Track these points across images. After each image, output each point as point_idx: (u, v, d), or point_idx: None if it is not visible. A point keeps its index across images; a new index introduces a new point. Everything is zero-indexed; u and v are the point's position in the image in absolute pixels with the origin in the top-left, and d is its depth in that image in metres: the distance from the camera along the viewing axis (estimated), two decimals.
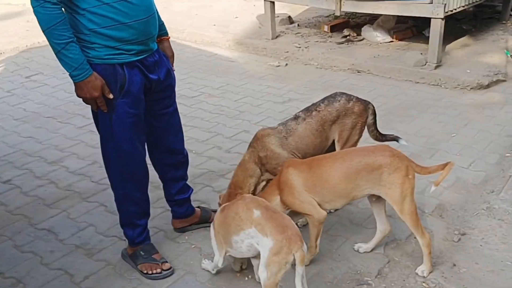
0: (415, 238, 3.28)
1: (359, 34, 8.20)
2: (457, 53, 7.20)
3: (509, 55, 7.23)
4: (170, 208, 3.44)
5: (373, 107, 3.60)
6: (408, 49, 7.48)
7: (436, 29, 6.42)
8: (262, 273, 2.43)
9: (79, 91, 2.64)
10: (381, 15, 7.84)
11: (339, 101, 3.45)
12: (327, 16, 9.80)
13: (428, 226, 3.45)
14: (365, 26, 8.13)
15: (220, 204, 3.30)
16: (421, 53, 6.94)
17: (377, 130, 3.68)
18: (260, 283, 2.83)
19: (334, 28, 8.59)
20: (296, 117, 3.43)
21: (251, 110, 5.75)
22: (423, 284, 2.92)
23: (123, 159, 2.84)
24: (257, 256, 2.62)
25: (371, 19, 8.94)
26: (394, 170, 2.78)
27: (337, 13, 7.22)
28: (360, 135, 3.56)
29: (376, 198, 3.01)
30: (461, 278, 2.95)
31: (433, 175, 3.02)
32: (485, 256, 3.13)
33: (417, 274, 2.98)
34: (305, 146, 3.35)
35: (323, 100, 3.51)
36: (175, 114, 3.13)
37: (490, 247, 3.21)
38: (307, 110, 3.46)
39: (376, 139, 3.71)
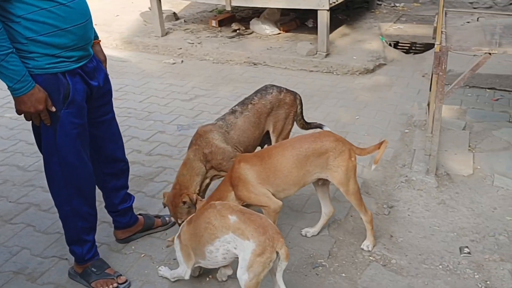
0: (351, 216, 3.55)
1: (247, 28, 8.38)
2: (340, 42, 7.72)
3: (384, 41, 7.94)
4: (111, 219, 3.26)
5: (300, 98, 3.76)
6: (296, 39, 7.84)
7: (323, 20, 6.82)
8: (242, 275, 2.39)
9: (22, 106, 2.41)
10: (266, 8, 8.11)
11: (271, 93, 3.57)
12: (211, 11, 9.86)
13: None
14: (253, 20, 8.34)
15: (164, 204, 3.25)
16: (311, 43, 7.32)
17: (304, 119, 3.86)
18: (222, 281, 2.87)
19: (222, 23, 8.69)
20: (233, 111, 3.47)
21: (160, 110, 5.63)
22: (370, 257, 3.15)
23: (70, 173, 2.65)
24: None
25: (255, 12, 9.21)
26: (339, 153, 2.96)
27: (228, 8, 7.31)
28: (292, 125, 3.72)
29: (322, 183, 3.17)
30: (400, 247, 3.24)
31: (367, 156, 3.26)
32: (415, 224, 3.47)
33: (363, 249, 3.20)
34: (246, 139, 3.42)
35: (255, 94, 3.60)
36: (113, 121, 3.00)
37: (416, 216, 3.56)
38: (243, 104, 3.53)
39: (303, 127, 3.89)
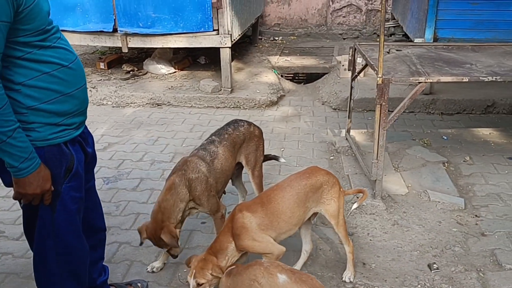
0: (320, 249, 3.58)
1: (140, 69, 8.15)
2: (239, 77, 7.86)
3: (276, 73, 8.28)
4: None
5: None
6: (194, 77, 7.81)
7: (226, 57, 6.91)
8: None
9: (27, 188, 2.04)
10: (156, 48, 7.97)
11: (243, 125, 3.61)
12: (92, 53, 9.41)
13: (321, 235, 3.76)
14: (146, 60, 8.14)
15: (143, 238, 3.02)
16: (212, 80, 7.35)
17: None
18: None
19: (111, 65, 8.33)
20: (212, 141, 3.40)
21: None
22: None
23: (66, 255, 2.30)
24: None
25: (141, 53, 9.00)
26: (331, 186, 3.02)
27: (124, 50, 7.04)
28: (262, 157, 3.72)
29: (308, 220, 3.16)
30: (376, 273, 3.34)
31: None
32: (380, 248, 3.61)
33: (345, 281, 3.23)
34: (226, 169, 3.37)
35: (228, 125, 3.60)
36: (94, 188, 2.69)
37: (378, 239, 3.71)
38: (219, 134, 3.49)
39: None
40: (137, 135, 5.90)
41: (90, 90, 7.25)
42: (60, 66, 2.10)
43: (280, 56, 9.30)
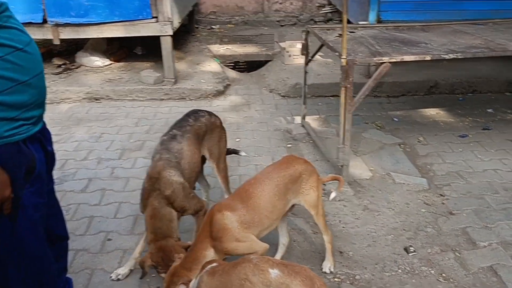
0: (294, 241, 3.42)
1: (73, 62, 7.60)
2: (181, 67, 7.52)
3: (219, 62, 8.03)
4: None
5: None
6: (132, 69, 7.39)
7: (168, 46, 6.56)
8: None
9: None
10: (89, 39, 7.47)
11: (204, 116, 3.32)
12: None
13: (293, 226, 3.59)
14: (79, 52, 7.59)
15: (148, 267, 2.70)
16: (154, 71, 6.97)
17: None
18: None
19: None
20: (173, 136, 3.07)
21: None
22: (336, 279, 3.06)
23: (32, 268, 1.96)
24: None
25: (71, 44, 8.41)
26: (310, 175, 2.84)
27: (56, 42, 6.48)
28: (225, 148, 3.47)
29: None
30: (355, 261, 3.22)
31: None
32: (354, 235, 3.50)
33: (325, 272, 3.09)
34: (195, 165, 3.09)
35: (188, 116, 3.29)
36: (53, 192, 2.34)
37: (351, 226, 3.60)
38: (180, 126, 3.17)
39: None
40: (77, 132, 5.46)
41: None
42: (14, 49, 1.76)
43: (220, 44, 9.03)
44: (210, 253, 2.56)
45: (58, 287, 2.39)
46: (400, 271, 3.11)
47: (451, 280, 3.01)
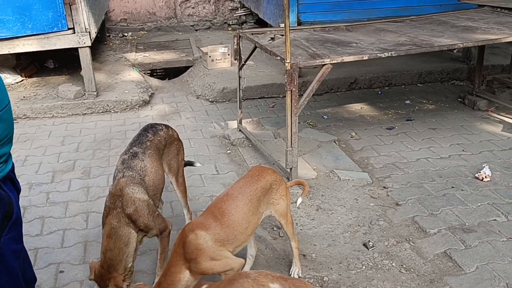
0: (258, 249, 3.39)
1: None
2: (99, 78, 7.17)
3: (138, 71, 7.80)
4: None
5: None
6: (47, 84, 6.96)
7: (86, 57, 6.24)
8: None
9: None
10: None
11: (162, 129, 3.21)
12: None
13: None
14: None
15: (91, 279, 2.58)
16: (72, 84, 6.61)
17: None
18: None
19: None
20: (134, 154, 2.92)
21: None
22: None
23: None
24: None
25: None
26: (279, 184, 2.83)
27: None
28: (183, 161, 3.36)
29: None
30: (320, 262, 3.27)
31: None
32: (313, 236, 3.55)
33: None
34: (159, 182, 2.96)
35: (145, 131, 3.15)
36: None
37: (308, 227, 3.65)
38: (139, 142, 3.02)
39: None
40: (19, 150, 5.03)
41: None
42: None
43: (136, 52, 8.77)
44: (185, 276, 2.47)
45: None
46: (364, 267, 3.20)
47: (411, 270, 3.15)
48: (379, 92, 6.84)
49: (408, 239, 3.46)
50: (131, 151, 2.98)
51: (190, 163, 3.73)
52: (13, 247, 1.76)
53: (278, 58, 3.79)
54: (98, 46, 9.11)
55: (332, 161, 4.64)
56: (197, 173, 4.48)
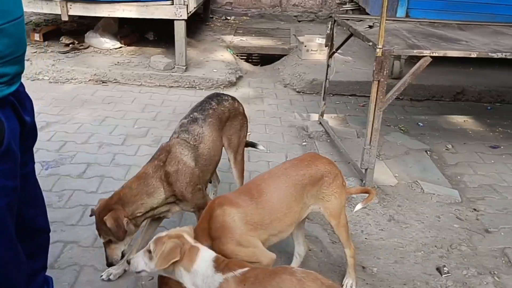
0: (310, 250, 3.02)
1: (81, 42, 7.22)
2: (192, 54, 7.13)
3: (232, 53, 7.64)
4: None
5: None
6: (142, 54, 7.02)
7: (181, 31, 6.18)
8: None
9: None
10: (100, 19, 7.11)
11: (227, 100, 2.99)
12: (26, 24, 8.30)
13: (309, 233, 3.20)
14: (88, 32, 7.21)
15: (92, 212, 2.40)
16: (165, 56, 6.59)
17: None
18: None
19: (47, 37, 7.33)
20: (194, 120, 2.72)
21: None
22: None
23: None
24: None
25: (81, 25, 8.04)
26: (333, 178, 2.43)
27: (64, 18, 6.13)
28: (245, 138, 3.10)
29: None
30: (380, 279, 2.83)
31: None
32: (379, 248, 3.10)
33: None
34: (216, 153, 2.74)
35: (210, 99, 2.95)
36: (33, 175, 1.96)
37: (374, 238, 3.21)
38: (202, 109, 2.82)
39: None
40: (80, 114, 5.08)
41: None
42: None
43: (234, 35, 8.65)
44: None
45: None
46: None
47: None
48: (489, 107, 6.08)
49: (492, 272, 2.90)
50: (191, 116, 2.78)
51: (252, 144, 3.44)
52: (1, 181, 1.57)
53: (370, 43, 3.36)
54: (199, 25, 9.14)
55: (419, 171, 4.11)
56: (265, 160, 4.19)
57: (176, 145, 2.53)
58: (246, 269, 1.89)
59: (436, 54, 3.25)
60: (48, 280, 2.19)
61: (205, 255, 1.95)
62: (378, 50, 3.16)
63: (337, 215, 2.48)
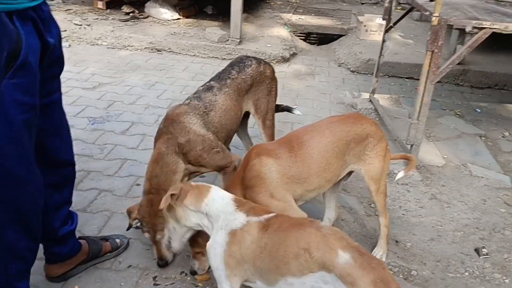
0: (342, 220, 2.94)
1: (141, 11, 7.37)
2: (247, 29, 7.11)
3: (289, 30, 7.54)
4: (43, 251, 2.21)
5: None
6: (199, 26, 7.06)
7: (237, 3, 6.15)
8: None
9: None
10: None
11: (251, 65, 2.88)
12: None
13: (344, 203, 3.11)
14: (149, 2, 7.35)
15: (133, 219, 2.37)
16: (219, 28, 6.60)
17: None
18: None
19: (110, 5, 7.54)
20: (209, 88, 2.68)
21: None
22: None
23: (7, 189, 1.63)
24: None
25: None
26: (378, 140, 2.35)
27: None
28: (275, 102, 3.03)
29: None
30: (413, 254, 2.71)
31: None
32: (415, 225, 2.97)
33: None
34: (228, 122, 2.66)
35: (231, 67, 2.87)
36: (59, 105, 1.99)
37: (412, 214, 3.07)
38: (219, 78, 2.77)
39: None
40: (132, 77, 5.19)
41: (84, 28, 6.50)
42: None
43: (293, 14, 8.53)
44: None
45: (53, 225, 2.05)
46: (467, 274, 2.57)
47: None
48: None
49: None
50: (207, 84, 2.74)
51: (288, 109, 3.33)
52: (17, 96, 1.59)
53: (427, 12, 3.19)
54: (259, 3, 9.09)
55: (470, 155, 3.91)
56: None
57: (183, 114, 2.45)
58: (271, 215, 1.83)
59: (497, 27, 3.03)
60: (73, 215, 2.24)
61: (220, 194, 1.92)
62: (434, 18, 2.99)
63: (377, 179, 2.38)
